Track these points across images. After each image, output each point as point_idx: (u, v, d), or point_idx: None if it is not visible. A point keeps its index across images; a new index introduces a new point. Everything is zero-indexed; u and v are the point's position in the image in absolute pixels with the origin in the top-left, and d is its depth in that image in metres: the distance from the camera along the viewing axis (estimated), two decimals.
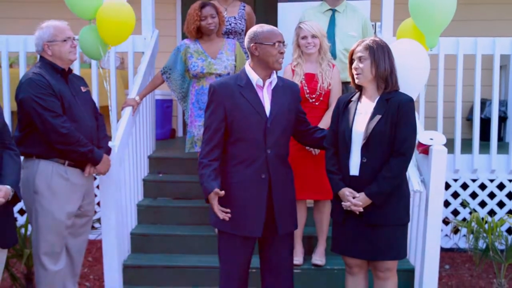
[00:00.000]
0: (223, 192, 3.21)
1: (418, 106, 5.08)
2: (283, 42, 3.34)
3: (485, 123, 5.86)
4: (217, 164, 3.30)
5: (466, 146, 5.37)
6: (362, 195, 3.28)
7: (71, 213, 3.75)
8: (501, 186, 5.39)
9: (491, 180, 5.38)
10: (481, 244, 4.40)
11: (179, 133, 7.29)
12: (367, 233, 3.33)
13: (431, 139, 3.90)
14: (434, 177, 3.78)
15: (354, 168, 3.35)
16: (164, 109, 6.63)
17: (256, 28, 3.38)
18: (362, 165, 3.32)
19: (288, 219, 3.39)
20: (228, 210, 3.21)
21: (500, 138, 6.55)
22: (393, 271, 3.46)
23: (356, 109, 3.40)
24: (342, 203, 3.34)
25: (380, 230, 3.32)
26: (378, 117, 3.29)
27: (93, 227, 4.76)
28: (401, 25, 4.06)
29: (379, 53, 3.32)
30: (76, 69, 5.25)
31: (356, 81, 3.39)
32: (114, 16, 4.18)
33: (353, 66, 3.40)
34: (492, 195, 5.41)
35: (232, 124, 3.26)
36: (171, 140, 6.79)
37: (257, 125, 3.26)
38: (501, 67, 5.38)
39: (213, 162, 3.28)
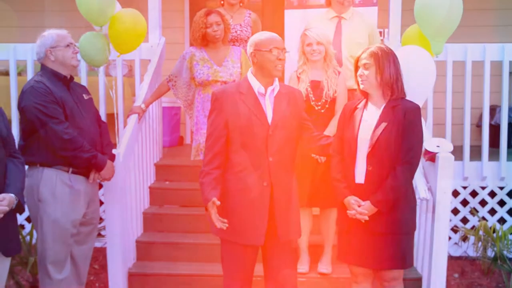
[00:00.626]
0: (219, 202, 3.18)
1: (426, 113, 5.05)
2: (283, 48, 3.30)
3: (496, 130, 5.79)
4: (218, 173, 3.28)
5: (477, 153, 5.31)
6: (367, 204, 3.25)
7: (76, 220, 3.75)
8: (511, 194, 5.32)
9: (501, 188, 5.32)
10: (490, 252, 4.34)
11: (187, 140, 7.28)
12: (373, 242, 3.29)
13: (438, 146, 3.86)
14: (441, 184, 3.74)
15: (360, 176, 3.32)
16: (171, 117, 6.64)
17: (256, 35, 3.38)
18: (367, 173, 3.29)
19: (291, 227, 3.35)
20: (225, 220, 3.19)
21: (510, 145, 6.48)
22: (400, 280, 3.42)
23: (362, 116, 3.37)
24: (348, 211, 3.31)
25: (386, 239, 3.29)
26: (384, 124, 3.26)
27: (100, 235, 4.77)
28: (406, 31, 4.03)
29: (384, 60, 3.30)
30: (83, 77, 5.29)
31: (361, 87, 3.37)
32: (128, 25, 4.22)
33: (358, 73, 3.37)
34: (502, 203, 5.34)
35: (233, 131, 3.24)
36: (179, 148, 6.79)
37: (259, 132, 3.24)
38: (510, 73, 5.33)
39: (214, 171, 3.26)
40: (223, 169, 3.31)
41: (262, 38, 3.31)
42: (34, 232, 4.06)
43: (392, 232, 3.29)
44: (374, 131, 3.27)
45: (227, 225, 3.17)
